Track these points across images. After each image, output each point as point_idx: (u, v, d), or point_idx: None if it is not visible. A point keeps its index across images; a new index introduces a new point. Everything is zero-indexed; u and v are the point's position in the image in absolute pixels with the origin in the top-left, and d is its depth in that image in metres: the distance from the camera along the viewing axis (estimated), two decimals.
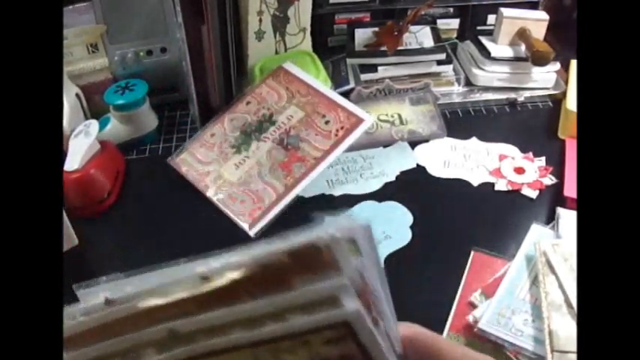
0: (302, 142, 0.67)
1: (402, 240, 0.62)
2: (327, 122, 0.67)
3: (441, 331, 0.53)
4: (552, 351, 0.48)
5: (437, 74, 0.87)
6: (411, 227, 0.64)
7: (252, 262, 0.22)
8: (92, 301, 0.26)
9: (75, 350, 0.26)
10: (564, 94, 0.84)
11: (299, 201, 0.69)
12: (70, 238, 0.63)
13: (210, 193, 0.66)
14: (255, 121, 0.69)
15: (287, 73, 0.73)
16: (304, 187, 0.65)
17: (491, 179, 0.71)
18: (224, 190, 0.66)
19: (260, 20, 0.83)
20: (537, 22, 0.86)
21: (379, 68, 0.85)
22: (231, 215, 0.64)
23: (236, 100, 0.73)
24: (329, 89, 0.72)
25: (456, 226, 0.65)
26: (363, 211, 0.67)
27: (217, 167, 0.67)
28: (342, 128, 0.66)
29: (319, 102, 0.69)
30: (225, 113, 0.72)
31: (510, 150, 0.76)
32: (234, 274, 0.22)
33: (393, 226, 0.64)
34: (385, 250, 0.61)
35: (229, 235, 0.62)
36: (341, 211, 0.65)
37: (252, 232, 0.62)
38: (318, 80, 0.77)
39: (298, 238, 0.20)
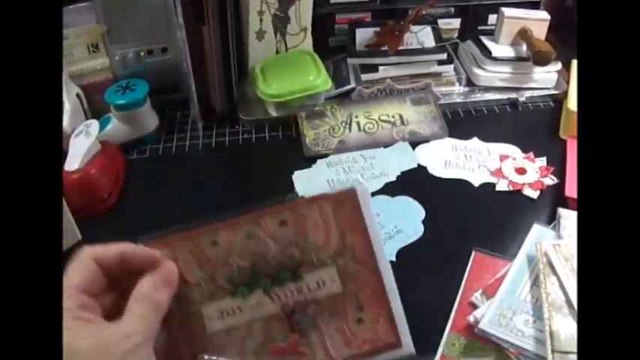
0: (315, 330, 0.44)
1: (413, 235, 0.63)
2: (359, 321, 0.45)
3: (442, 331, 0.52)
4: (553, 352, 0.47)
5: (438, 74, 0.87)
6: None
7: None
8: None
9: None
10: (566, 94, 0.84)
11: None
12: (74, 234, 0.63)
13: (173, 331, 0.44)
14: (276, 262, 0.44)
15: (355, 209, 0.45)
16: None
17: (492, 179, 0.71)
18: (187, 337, 0.44)
19: (261, 20, 0.83)
20: (539, 22, 0.86)
21: (380, 68, 0.85)
22: None
23: (267, 207, 0.45)
24: (389, 269, 0.46)
25: (457, 226, 0.64)
26: (376, 206, 0.67)
27: (196, 302, 0.44)
28: (371, 342, 0.45)
29: (369, 284, 0.45)
30: (244, 217, 0.45)
31: (511, 150, 0.76)
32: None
33: (404, 221, 0.65)
34: (395, 245, 0.62)
35: None
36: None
37: None
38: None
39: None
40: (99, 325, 0.36)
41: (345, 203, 0.45)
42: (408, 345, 0.44)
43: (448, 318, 0.53)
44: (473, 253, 0.60)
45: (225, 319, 0.43)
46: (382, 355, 0.44)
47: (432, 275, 0.58)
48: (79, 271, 0.37)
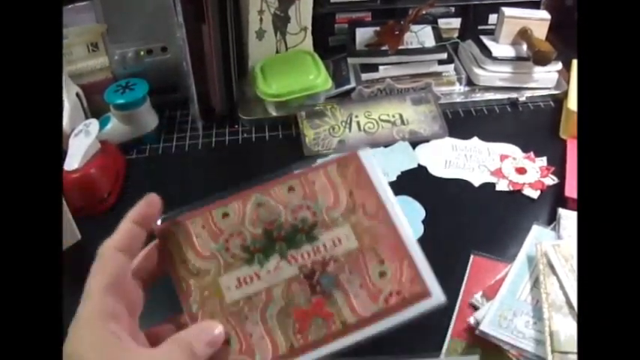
0: (338, 289, 0.43)
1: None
2: (382, 274, 0.44)
3: (444, 333, 0.52)
4: (553, 352, 0.47)
5: (438, 74, 0.87)
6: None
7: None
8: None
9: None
10: (566, 93, 0.84)
11: None
12: (73, 234, 0.63)
13: (192, 307, 0.43)
14: (289, 224, 0.45)
15: (360, 169, 0.47)
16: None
17: (492, 179, 0.71)
18: (208, 310, 0.43)
19: (261, 19, 0.83)
20: (539, 21, 0.86)
21: (380, 68, 0.85)
22: None
23: (274, 177, 0.48)
24: (405, 221, 0.46)
25: (457, 226, 0.64)
26: None
27: (213, 274, 0.44)
28: (397, 293, 0.43)
29: (385, 236, 0.45)
30: (252, 189, 0.47)
31: (512, 150, 0.76)
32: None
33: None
34: None
35: None
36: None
37: None
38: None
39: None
40: (127, 349, 0.36)
41: (349, 165, 0.47)
42: (437, 294, 0.43)
43: (450, 320, 0.53)
44: (472, 257, 0.59)
45: (243, 288, 0.43)
46: (412, 308, 0.43)
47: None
48: (102, 269, 0.37)
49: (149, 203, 0.43)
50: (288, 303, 0.43)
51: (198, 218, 0.45)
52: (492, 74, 0.86)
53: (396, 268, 0.44)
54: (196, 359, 0.38)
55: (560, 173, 0.70)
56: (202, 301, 0.43)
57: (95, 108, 0.80)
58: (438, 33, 0.89)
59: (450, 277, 0.58)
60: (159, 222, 0.45)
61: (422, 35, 0.89)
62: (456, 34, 0.97)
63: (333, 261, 0.44)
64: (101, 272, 0.37)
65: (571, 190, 0.65)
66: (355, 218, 0.45)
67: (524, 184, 0.69)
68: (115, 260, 0.38)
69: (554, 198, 0.67)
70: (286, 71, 0.83)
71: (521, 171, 0.71)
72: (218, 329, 0.40)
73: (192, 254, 0.44)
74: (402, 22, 0.87)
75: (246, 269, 0.44)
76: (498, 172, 0.71)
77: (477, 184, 0.71)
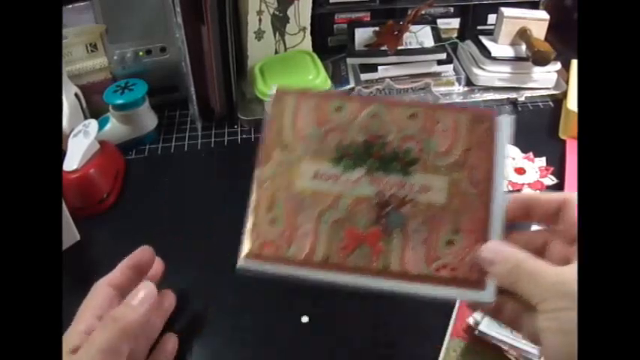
0: (400, 232, 0.40)
1: None
2: (449, 242, 0.40)
3: (443, 333, 0.52)
4: None
5: (437, 74, 0.87)
6: None
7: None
8: None
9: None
10: (565, 94, 0.84)
11: None
12: (73, 234, 0.63)
13: (264, 175, 0.43)
14: (391, 148, 0.42)
15: (490, 133, 0.42)
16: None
17: None
18: (274, 185, 0.42)
19: (260, 20, 0.83)
20: (538, 21, 0.86)
21: (379, 68, 0.85)
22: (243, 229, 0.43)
23: (397, 98, 0.46)
24: (501, 206, 0.41)
25: None
26: None
27: (298, 154, 0.43)
28: (452, 269, 0.39)
29: (475, 209, 0.40)
30: (377, 98, 0.46)
31: (511, 150, 0.76)
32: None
33: None
34: None
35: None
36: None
37: (240, 263, 0.41)
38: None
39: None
40: None
41: (484, 123, 0.42)
42: (490, 291, 0.38)
43: (449, 321, 0.53)
44: None
45: (317, 182, 0.42)
46: (458, 291, 0.39)
47: None
48: (91, 298, 0.45)
49: (143, 252, 0.50)
50: (348, 218, 0.41)
51: (314, 99, 0.44)
52: (491, 74, 0.86)
53: (465, 245, 0.40)
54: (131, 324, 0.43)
55: (560, 174, 0.70)
56: (274, 175, 0.42)
57: (94, 108, 0.80)
58: (437, 33, 0.89)
59: None
60: (274, 89, 0.45)
61: (421, 35, 0.89)
62: (455, 35, 0.97)
63: (412, 204, 0.41)
64: (89, 300, 0.45)
65: (570, 191, 0.65)
66: (458, 176, 0.41)
67: (523, 184, 0.69)
68: (104, 293, 0.45)
69: None
70: (285, 71, 0.83)
71: (520, 171, 0.71)
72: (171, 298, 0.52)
73: (291, 128, 0.43)
74: (401, 23, 0.87)
75: (329, 167, 0.42)
76: None
77: None
